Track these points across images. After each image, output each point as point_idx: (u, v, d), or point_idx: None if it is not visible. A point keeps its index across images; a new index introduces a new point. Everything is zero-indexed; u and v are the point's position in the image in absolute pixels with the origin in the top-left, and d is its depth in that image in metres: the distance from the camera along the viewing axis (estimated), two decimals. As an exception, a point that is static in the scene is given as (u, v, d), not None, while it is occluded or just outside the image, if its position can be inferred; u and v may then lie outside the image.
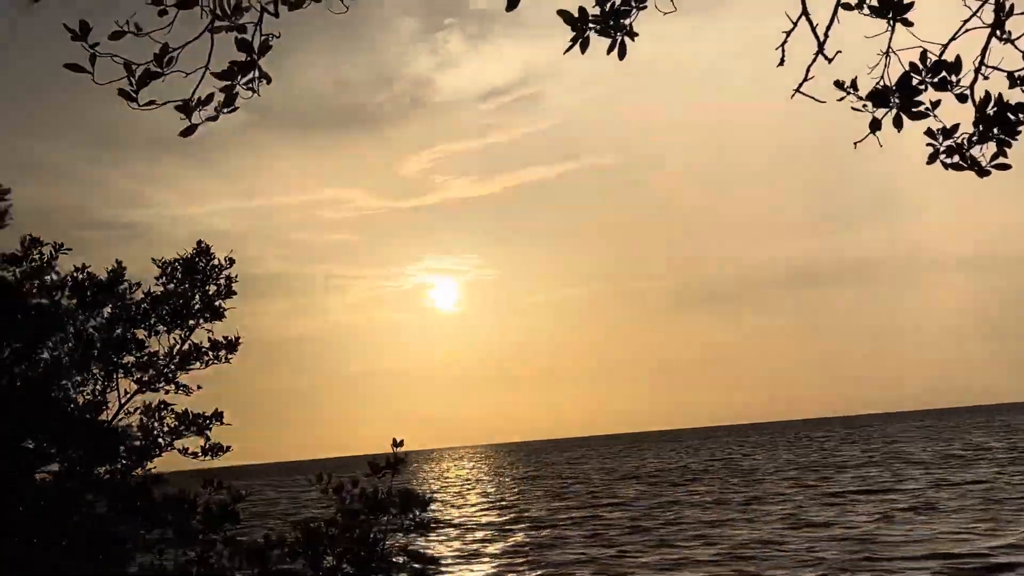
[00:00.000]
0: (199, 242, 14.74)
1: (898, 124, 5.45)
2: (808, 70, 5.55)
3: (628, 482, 76.22)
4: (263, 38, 5.25)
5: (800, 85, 5.57)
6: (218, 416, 14.60)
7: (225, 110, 5.35)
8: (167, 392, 14.63)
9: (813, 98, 5.57)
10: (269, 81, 5.33)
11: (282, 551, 13.31)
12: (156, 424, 14.50)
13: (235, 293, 14.73)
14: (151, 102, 5.12)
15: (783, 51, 5.56)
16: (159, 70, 5.08)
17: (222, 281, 14.75)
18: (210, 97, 5.29)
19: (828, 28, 5.49)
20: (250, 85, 5.34)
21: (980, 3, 5.39)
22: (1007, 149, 5.36)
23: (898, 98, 5.40)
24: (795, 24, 5.50)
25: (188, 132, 5.34)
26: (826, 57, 5.52)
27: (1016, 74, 5.31)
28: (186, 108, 5.27)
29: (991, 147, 5.40)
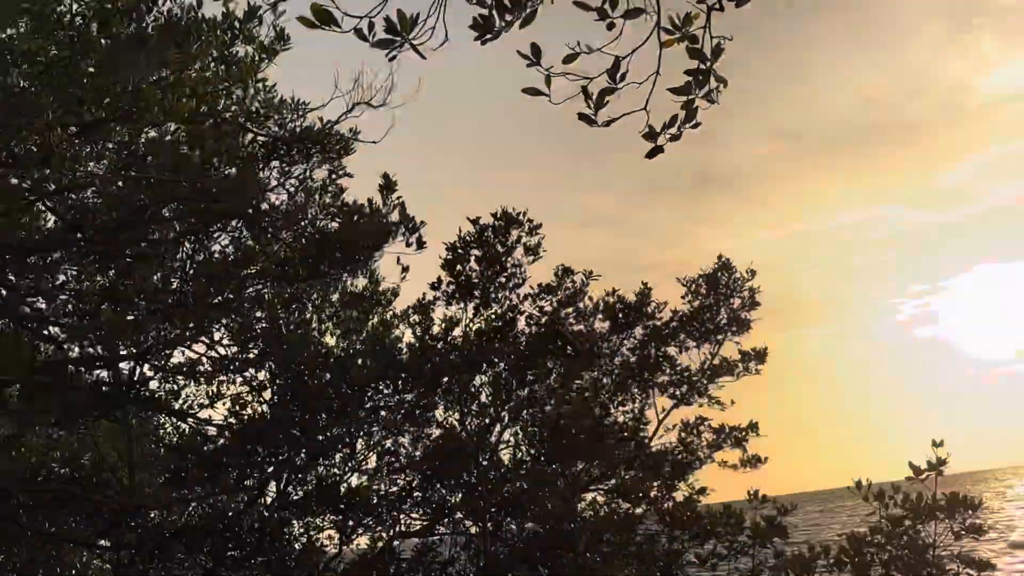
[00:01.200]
0: (719, 256, 14.72)
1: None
2: None
3: None
4: (715, 42, 4.99)
5: None
6: (754, 427, 14.44)
7: (687, 126, 5.15)
8: (701, 406, 14.73)
9: None
10: (726, 85, 5.05)
11: (828, 560, 12.88)
12: (695, 439, 14.64)
13: (759, 304, 14.53)
14: (609, 121, 5.04)
15: None
16: (612, 84, 4.99)
17: (745, 293, 14.60)
18: (674, 119, 5.12)
19: None
20: (708, 96, 5.10)
21: None
22: None
23: None
24: None
25: (653, 154, 5.21)
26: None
27: None
28: (651, 134, 5.15)
29: None
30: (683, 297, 15.00)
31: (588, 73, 5.00)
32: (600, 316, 15.21)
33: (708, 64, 5.03)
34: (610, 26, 4.94)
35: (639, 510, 14.41)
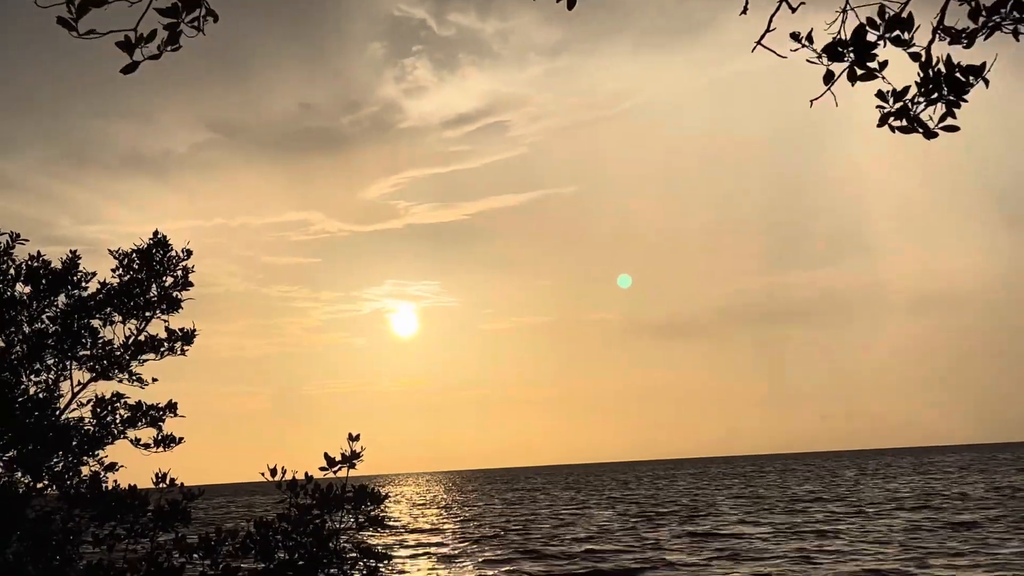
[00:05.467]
0: (155, 232, 14.56)
1: (852, 78, 5.41)
2: (770, 21, 5.50)
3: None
4: (209, -27, 5.14)
5: (762, 37, 5.52)
6: (172, 408, 14.39)
7: (169, 48, 5.24)
8: (121, 382, 14.40)
9: (774, 52, 5.53)
10: (216, 19, 5.22)
11: (233, 545, 13.10)
12: (109, 414, 14.27)
13: (192, 284, 14.56)
14: (91, 31, 4.98)
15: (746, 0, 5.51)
16: (102, -4, 4.95)
17: (179, 272, 14.57)
18: (153, 33, 5.18)
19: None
20: (195, 23, 5.23)
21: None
22: (956, 110, 5.33)
23: (852, 52, 5.36)
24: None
25: (129, 69, 5.22)
26: (791, 6, 5.47)
27: (958, 30, 5.28)
28: (127, 44, 5.15)
29: (941, 109, 5.37)
30: (114, 271, 14.61)
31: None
32: (22, 281, 14.42)
33: (200, -8, 5.16)
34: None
35: (40, 484, 13.77)
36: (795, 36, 5.43)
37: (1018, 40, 5.26)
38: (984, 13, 5.26)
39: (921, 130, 5.37)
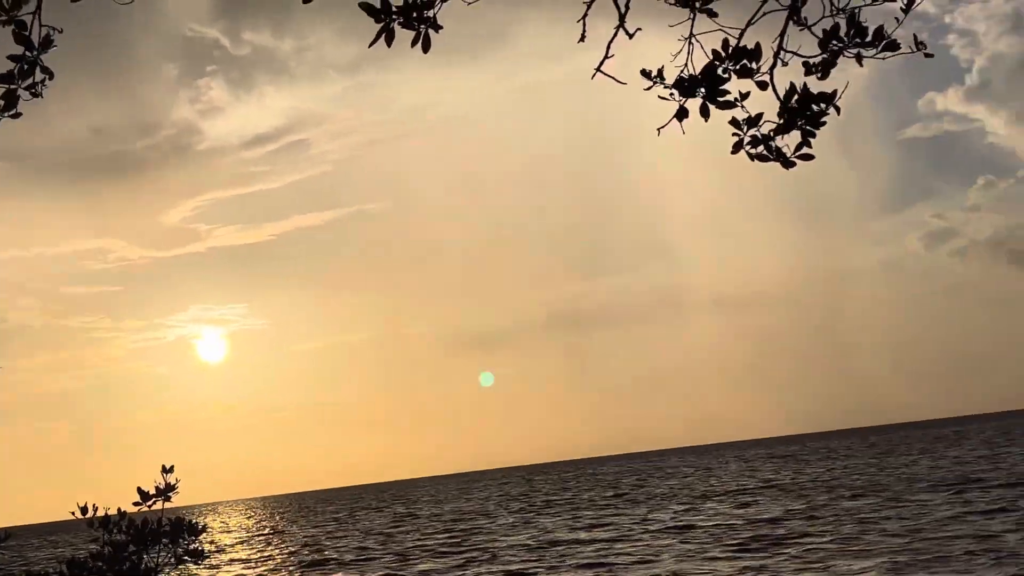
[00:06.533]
0: None
1: (705, 114, 5.37)
2: (609, 47, 5.45)
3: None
4: (44, 32, 5.05)
5: (601, 63, 5.47)
6: None
7: (6, 115, 5.14)
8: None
9: (614, 79, 5.47)
10: (52, 77, 5.12)
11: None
12: None
13: None
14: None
15: (584, 24, 5.47)
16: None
17: None
18: (-11, 97, 5.07)
19: (625, 12, 5.42)
20: (33, 89, 5.13)
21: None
22: (811, 139, 5.31)
23: (704, 87, 5.33)
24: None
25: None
26: (627, 32, 5.43)
27: (811, 61, 5.27)
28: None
29: (795, 138, 5.34)
30: None
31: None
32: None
33: (36, 53, 5.07)
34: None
35: None
36: (646, 73, 5.37)
37: (861, 65, 5.25)
38: (827, 39, 5.25)
39: (779, 159, 5.33)
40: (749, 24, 5.27)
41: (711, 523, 48.05)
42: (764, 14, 5.27)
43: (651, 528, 49.03)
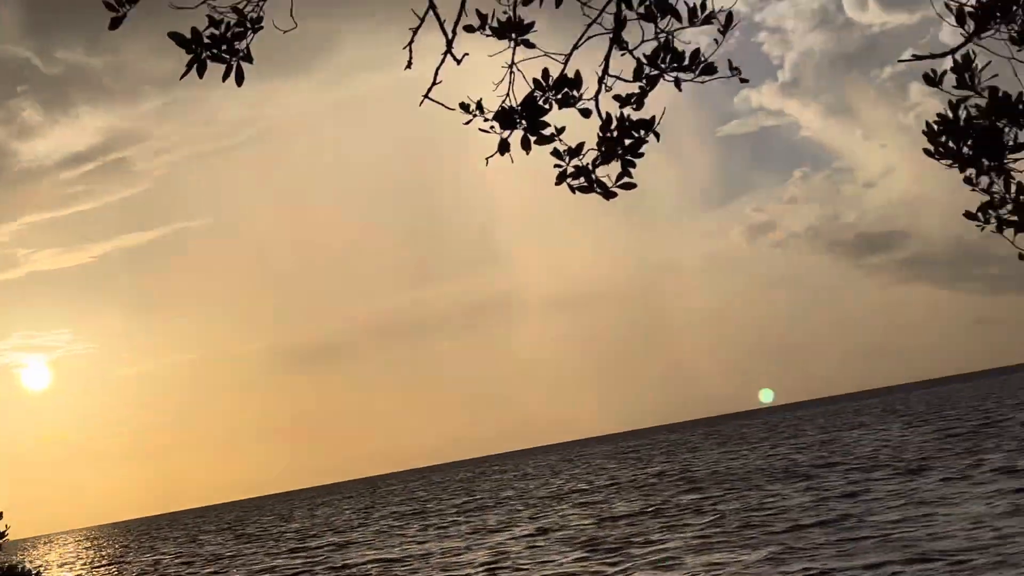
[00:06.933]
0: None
1: (526, 146, 5.34)
2: (437, 73, 5.37)
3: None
4: None
5: (429, 90, 5.38)
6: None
7: None
8: None
9: (442, 104, 5.39)
10: None
11: None
12: None
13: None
14: None
15: (411, 52, 5.38)
16: None
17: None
18: None
19: (456, 25, 5.34)
20: None
21: (600, 10, 5.35)
22: (631, 169, 5.32)
23: (525, 119, 5.29)
24: (422, 19, 5.32)
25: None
26: (455, 58, 5.36)
27: (626, 95, 5.28)
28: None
29: (616, 168, 5.34)
30: None
31: None
32: None
33: None
34: None
35: None
36: (465, 107, 5.30)
37: (680, 89, 5.29)
38: (647, 64, 5.28)
39: (600, 190, 5.32)
40: (575, 49, 5.26)
41: (561, 525, 48.45)
42: (588, 38, 5.27)
43: (509, 534, 49.09)
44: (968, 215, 5.47)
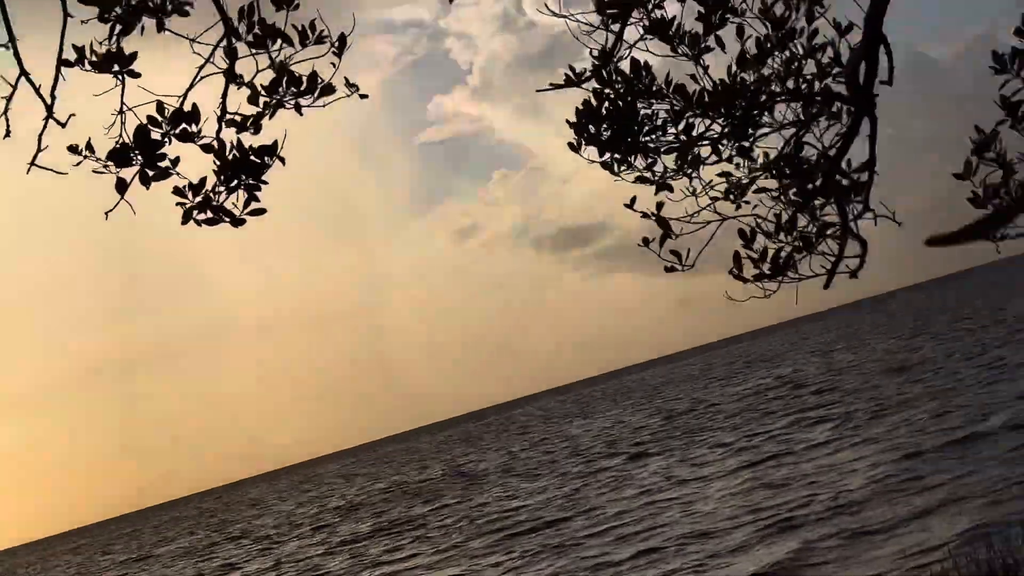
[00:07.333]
0: None
1: (145, 182, 5.15)
2: (40, 139, 5.10)
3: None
4: None
5: (35, 157, 5.10)
6: None
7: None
8: None
9: (52, 170, 5.13)
10: None
11: None
12: None
13: None
14: None
15: (7, 120, 5.07)
16: None
17: None
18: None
19: (53, 89, 5.09)
20: None
21: (212, 49, 5.25)
22: (258, 193, 5.25)
23: (140, 155, 5.10)
24: (15, 87, 5.04)
25: None
26: (58, 122, 5.11)
27: (241, 120, 5.22)
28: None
29: (243, 195, 5.26)
30: None
31: None
32: None
33: None
34: None
35: None
36: (73, 149, 5.05)
37: (301, 114, 5.27)
38: (264, 93, 5.23)
39: (228, 219, 5.22)
40: (190, 89, 5.13)
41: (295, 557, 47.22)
42: (203, 78, 5.15)
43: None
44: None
